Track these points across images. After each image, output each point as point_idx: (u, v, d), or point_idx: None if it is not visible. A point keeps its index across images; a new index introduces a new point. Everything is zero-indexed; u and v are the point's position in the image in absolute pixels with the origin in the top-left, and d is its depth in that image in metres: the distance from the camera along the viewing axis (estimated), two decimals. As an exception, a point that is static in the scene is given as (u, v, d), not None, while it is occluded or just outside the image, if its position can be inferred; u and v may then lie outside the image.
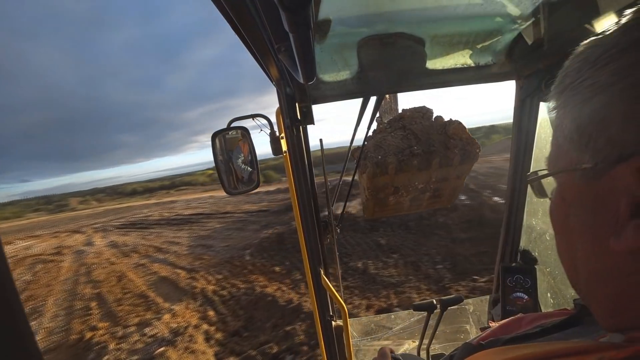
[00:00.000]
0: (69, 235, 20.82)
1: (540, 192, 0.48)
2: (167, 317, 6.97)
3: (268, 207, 19.09)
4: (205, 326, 6.40)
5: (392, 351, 1.02)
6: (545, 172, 0.45)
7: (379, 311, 5.93)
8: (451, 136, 1.77)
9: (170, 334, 6.30)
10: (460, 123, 1.77)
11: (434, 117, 1.89)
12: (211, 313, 6.94)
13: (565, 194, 0.42)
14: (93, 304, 8.42)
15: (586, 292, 0.43)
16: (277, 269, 8.78)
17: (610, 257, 0.36)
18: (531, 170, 1.49)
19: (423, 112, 1.89)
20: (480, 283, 6.47)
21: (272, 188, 29.20)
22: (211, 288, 8.21)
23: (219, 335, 6.02)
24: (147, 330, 6.54)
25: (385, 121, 1.94)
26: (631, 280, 0.35)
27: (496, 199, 11.45)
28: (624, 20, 0.35)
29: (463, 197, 13.79)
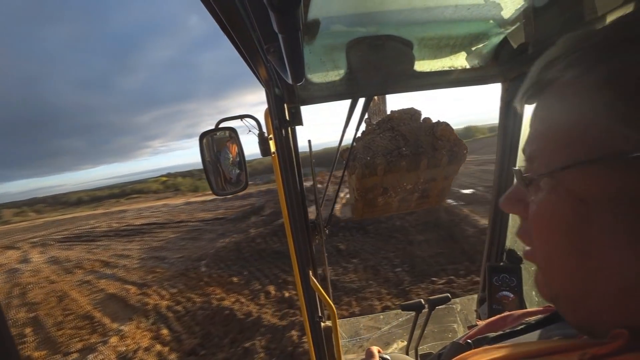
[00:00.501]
0: (0, 252, 18.15)
1: (538, 194, 0.47)
2: (114, 339, 6.44)
3: (225, 215, 18.64)
4: (158, 347, 5.99)
5: (379, 351, 1.03)
6: (573, 161, 0.38)
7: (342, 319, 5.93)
8: (439, 137, 1.79)
9: (118, 359, 5.83)
10: (447, 125, 1.80)
11: (422, 118, 1.91)
12: (165, 331, 6.54)
13: (545, 196, 0.40)
14: (28, 330, 7.50)
15: (565, 294, 0.41)
16: (235, 279, 8.52)
17: (586, 258, 0.36)
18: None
19: (411, 114, 1.91)
20: (439, 285, 6.50)
21: (229, 195, 28.47)
22: (165, 304, 7.75)
23: (173, 357, 5.67)
24: (91, 357, 5.98)
25: (374, 122, 1.96)
26: (631, 278, 0.34)
27: (450, 201, 11.63)
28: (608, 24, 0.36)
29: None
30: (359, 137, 1.85)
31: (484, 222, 9.66)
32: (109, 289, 9.43)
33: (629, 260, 0.34)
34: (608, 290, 0.37)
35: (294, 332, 5.44)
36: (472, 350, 0.49)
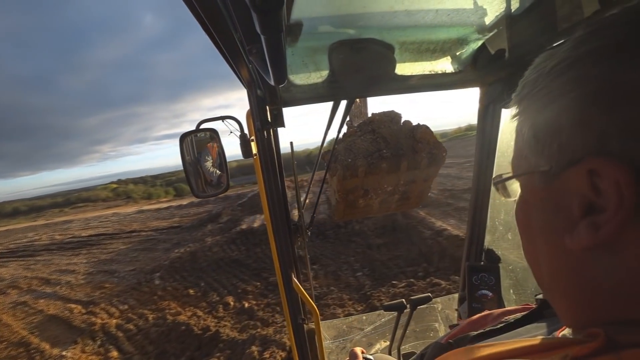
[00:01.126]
0: None
1: (505, 194, 0.51)
2: (55, 367, 5.73)
3: (180, 223, 17.93)
4: (107, 371, 5.40)
5: (363, 352, 1.04)
6: (509, 175, 0.48)
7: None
8: (419, 140, 1.82)
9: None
10: (427, 127, 1.83)
11: (402, 121, 1.94)
12: (114, 353, 6.02)
13: (526, 195, 0.45)
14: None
15: (548, 289, 0.45)
16: (191, 291, 8.11)
17: (567, 254, 0.39)
18: (495, 174, 1.55)
19: (392, 117, 1.93)
20: (399, 289, 6.49)
21: (184, 202, 27.12)
22: (114, 322, 7.14)
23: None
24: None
25: (355, 125, 1.97)
26: (587, 276, 0.37)
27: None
28: (575, 34, 0.37)
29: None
30: (340, 139, 1.86)
31: (440, 224, 9.72)
32: (49, 309, 8.46)
33: (560, 257, 0.40)
34: (559, 286, 0.42)
35: (254, 348, 5.22)
36: (453, 350, 0.49)
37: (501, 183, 0.50)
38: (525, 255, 0.47)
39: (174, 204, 27.91)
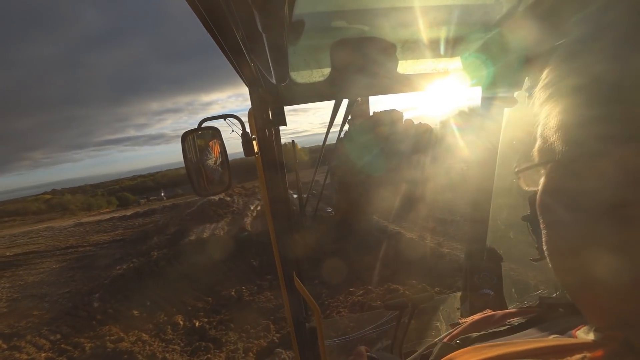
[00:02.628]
0: None
1: (527, 184, 0.48)
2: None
3: (123, 236, 16.61)
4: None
5: (367, 350, 1.04)
6: (534, 163, 0.45)
7: (260, 352, 5.40)
8: (420, 139, 1.81)
9: None
10: (428, 126, 1.83)
11: (404, 120, 1.93)
12: None
13: (552, 185, 0.42)
14: None
15: (573, 286, 0.42)
16: (135, 312, 7.34)
17: (597, 248, 0.36)
18: (496, 172, 1.55)
19: (393, 115, 1.93)
20: (357, 297, 6.30)
21: (128, 212, 25.26)
22: (43, 356, 6.16)
23: None
24: None
25: (357, 123, 1.97)
26: (617, 272, 0.35)
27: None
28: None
29: (329, 209, 13.98)
30: (341, 137, 1.87)
31: (393, 227, 9.49)
32: (-42, 349, 6.86)
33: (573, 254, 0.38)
34: (588, 282, 0.39)
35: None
36: (462, 350, 0.49)
37: (524, 172, 0.47)
38: (546, 249, 0.44)
39: (116, 214, 25.72)
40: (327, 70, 1.21)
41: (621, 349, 0.31)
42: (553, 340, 0.41)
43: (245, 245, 10.66)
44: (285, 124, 1.34)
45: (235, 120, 1.33)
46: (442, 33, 1.11)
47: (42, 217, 36.24)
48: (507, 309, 0.75)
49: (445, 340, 0.70)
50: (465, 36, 1.14)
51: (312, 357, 1.65)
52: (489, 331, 0.62)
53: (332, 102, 1.36)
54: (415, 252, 7.66)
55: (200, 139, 1.34)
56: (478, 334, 0.62)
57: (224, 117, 1.32)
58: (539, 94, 0.41)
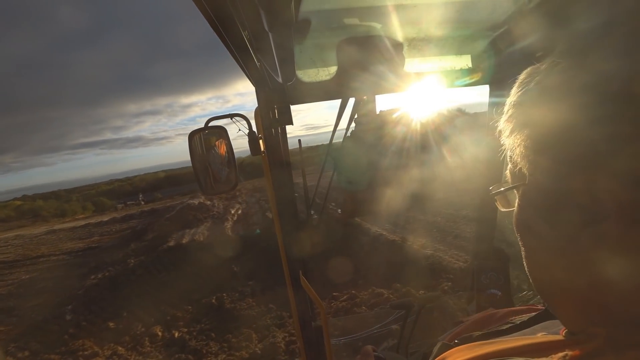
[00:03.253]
0: None
1: (504, 205, 0.52)
2: None
3: (99, 243, 15.86)
4: None
5: (374, 350, 1.04)
6: (508, 186, 0.48)
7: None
8: (427, 137, 1.80)
9: None
10: (437, 125, 1.81)
11: (410, 118, 1.92)
12: None
13: (525, 206, 0.45)
14: None
15: (548, 294, 0.45)
16: (111, 324, 6.89)
17: (569, 262, 0.39)
18: (503, 174, 1.54)
19: (400, 116, 1.92)
20: (342, 302, 6.13)
21: (105, 218, 24.56)
22: None
23: None
24: None
25: (364, 122, 1.96)
26: (589, 281, 0.38)
27: (340, 210, 11.17)
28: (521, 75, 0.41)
29: (312, 212, 13.47)
30: (348, 136, 1.85)
31: (376, 229, 9.52)
32: None
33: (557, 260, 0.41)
34: (561, 291, 0.42)
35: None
36: (456, 348, 0.50)
37: (502, 194, 0.51)
38: (525, 262, 0.47)
39: (92, 220, 24.99)
40: (333, 69, 1.21)
41: (604, 346, 0.32)
42: (540, 337, 0.43)
43: (226, 251, 10.19)
44: (291, 123, 1.35)
45: (242, 120, 1.34)
46: (449, 31, 1.10)
47: (11, 225, 34.60)
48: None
49: (447, 338, 0.70)
50: (473, 34, 1.13)
51: (317, 355, 1.66)
52: (491, 330, 0.62)
53: (338, 101, 1.36)
54: (398, 255, 7.60)
55: (207, 138, 1.36)
56: (480, 332, 0.63)
57: (231, 116, 1.34)
58: (505, 124, 0.44)
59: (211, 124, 1.32)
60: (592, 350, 0.33)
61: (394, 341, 2.28)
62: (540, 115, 0.39)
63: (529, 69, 0.42)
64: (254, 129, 1.34)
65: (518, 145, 0.42)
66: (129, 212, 26.34)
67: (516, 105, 0.42)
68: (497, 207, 0.49)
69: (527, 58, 1.14)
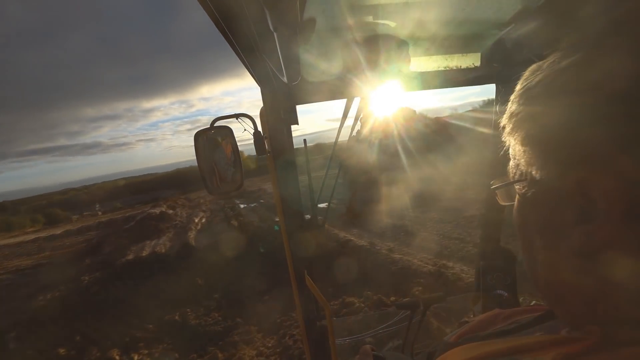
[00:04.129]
0: None
1: (504, 199, 0.53)
2: None
3: (50, 259, 14.60)
4: None
5: (373, 349, 1.04)
6: (508, 181, 0.50)
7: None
8: (434, 135, 1.82)
9: None
10: (444, 122, 1.83)
11: (417, 116, 1.93)
12: None
13: (523, 201, 0.47)
14: None
15: (545, 291, 0.46)
16: (62, 351, 6.29)
17: (562, 258, 0.41)
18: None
19: (406, 112, 1.93)
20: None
21: (57, 231, 22.82)
22: None
23: None
24: None
25: (369, 120, 1.96)
26: (582, 278, 0.39)
27: (307, 216, 11.09)
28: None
29: (278, 219, 13.43)
30: (354, 135, 1.86)
31: (344, 235, 9.26)
32: None
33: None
34: (555, 288, 0.44)
35: None
36: (456, 348, 0.50)
37: (502, 188, 0.53)
38: (523, 256, 0.49)
39: (43, 234, 23.29)
40: (338, 69, 1.21)
41: (599, 343, 0.33)
42: (538, 337, 0.44)
43: (190, 262, 9.99)
44: (297, 123, 1.35)
45: (247, 120, 1.33)
46: (455, 29, 1.10)
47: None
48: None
49: (452, 338, 0.71)
50: (479, 32, 1.13)
51: (322, 355, 1.65)
52: (497, 330, 0.63)
53: (343, 101, 1.36)
54: (368, 262, 7.47)
55: (213, 138, 1.34)
56: (485, 333, 0.63)
57: (237, 116, 1.33)
58: (507, 121, 0.46)
59: (217, 124, 1.31)
60: (587, 347, 0.33)
61: (399, 341, 2.29)
62: (541, 113, 0.40)
63: (532, 66, 0.43)
64: (259, 128, 1.33)
65: (519, 142, 0.43)
66: (85, 224, 25.05)
67: (518, 102, 0.43)
68: (503, 207, 0.51)
69: (534, 56, 1.17)
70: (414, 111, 1.95)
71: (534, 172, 0.42)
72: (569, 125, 0.36)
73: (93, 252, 13.89)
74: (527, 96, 0.42)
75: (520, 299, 1.79)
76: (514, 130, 0.44)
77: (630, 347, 0.31)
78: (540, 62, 0.42)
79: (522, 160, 0.43)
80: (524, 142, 0.42)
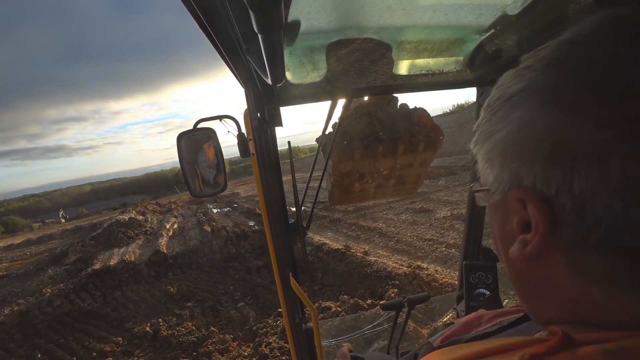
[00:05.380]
0: None
1: (480, 202, 0.55)
2: None
3: (8, 271, 13.98)
4: None
5: (350, 350, 1.08)
6: (477, 188, 0.53)
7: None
8: (416, 123, 1.84)
9: None
10: (424, 111, 1.85)
11: (399, 104, 1.95)
12: None
13: (488, 207, 0.51)
14: None
15: (515, 288, 0.50)
16: None
17: (513, 262, 0.46)
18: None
19: (388, 100, 1.94)
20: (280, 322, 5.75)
21: (17, 241, 22.10)
22: None
23: None
24: None
25: (352, 108, 1.95)
26: (531, 281, 0.45)
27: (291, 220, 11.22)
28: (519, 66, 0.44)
29: (252, 223, 13.15)
30: (335, 122, 1.85)
31: (319, 238, 9.56)
32: None
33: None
34: (517, 287, 0.49)
35: None
36: (434, 352, 0.51)
37: (473, 193, 0.58)
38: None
39: (0, 244, 22.59)
40: (323, 71, 1.21)
41: (559, 343, 0.35)
42: (510, 338, 0.45)
43: (161, 270, 9.78)
44: (281, 125, 1.34)
45: (231, 122, 1.32)
46: (438, 34, 1.13)
47: None
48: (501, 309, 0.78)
49: (437, 341, 0.72)
50: (461, 37, 1.15)
51: (308, 358, 1.64)
52: (480, 332, 0.65)
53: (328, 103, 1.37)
54: (342, 265, 7.56)
55: (196, 139, 1.33)
56: (469, 335, 0.65)
57: (220, 118, 1.33)
58: (482, 126, 0.48)
59: (200, 125, 1.31)
60: (549, 348, 0.35)
61: (384, 342, 2.30)
62: (496, 128, 0.43)
63: (507, 72, 0.46)
64: (243, 130, 1.32)
65: (480, 153, 0.47)
66: (47, 232, 23.93)
67: (491, 108, 0.46)
68: (485, 207, 0.54)
69: (514, 61, 1.23)
70: (397, 99, 1.96)
71: (490, 183, 0.46)
72: (513, 140, 0.40)
73: (56, 262, 13.37)
74: (500, 101, 0.44)
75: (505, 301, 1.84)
76: (476, 141, 0.48)
77: (586, 347, 0.33)
78: (516, 68, 0.45)
79: (482, 169, 0.48)
80: (483, 151, 0.46)
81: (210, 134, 1.31)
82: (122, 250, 12.85)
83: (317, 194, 1.69)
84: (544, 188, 0.37)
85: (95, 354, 6.13)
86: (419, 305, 1.83)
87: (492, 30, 1.12)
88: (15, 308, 8.50)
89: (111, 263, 10.81)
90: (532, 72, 0.40)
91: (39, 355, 6.39)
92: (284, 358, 4.74)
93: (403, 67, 1.29)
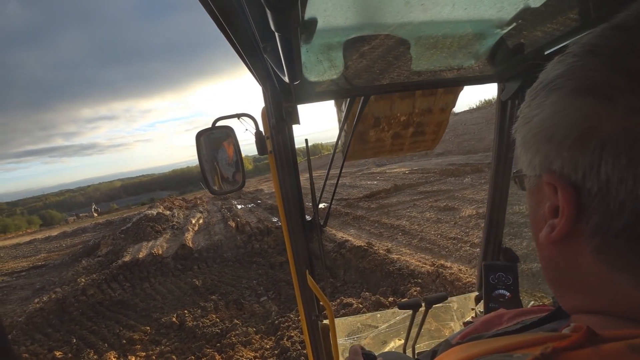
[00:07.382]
0: None
1: (521, 187, 0.55)
2: None
3: (46, 261, 14.68)
4: None
5: (362, 347, 1.08)
6: (518, 173, 0.54)
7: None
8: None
9: None
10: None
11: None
12: None
13: (527, 193, 0.51)
14: None
15: (544, 275, 0.50)
16: (58, 354, 6.23)
17: (544, 247, 0.46)
18: (513, 170, 1.59)
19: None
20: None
21: (54, 232, 23.03)
22: None
23: None
24: None
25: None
26: (560, 267, 0.44)
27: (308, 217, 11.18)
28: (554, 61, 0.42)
29: (275, 220, 13.06)
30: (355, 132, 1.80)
31: (341, 235, 9.47)
32: None
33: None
34: (547, 274, 0.49)
35: None
36: (454, 348, 0.50)
37: (516, 177, 0.58)
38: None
39: (39, 236, 23.73)
40: (340, 69, 1.21)
41: (584, 339, 0.34)
42: (530, 334, 0.45)
43: (187, 264, 10.01)
44: (299, 123, 1.35)
45: (249, 120, 1.33)
46: (457, 29, 1.10)
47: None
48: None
49: (456, 338, 0.71)
50: (481, 32, 1.12)
51: (324, 355, 1.65)
52: (501, 330, 0.63)
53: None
54: (364, 262, 7.52)
55: (215, 137, 1.35)
56: (490, 333, 0.63)
57: (238, 116, 1.34)
58: (522, 111, 0.48)
59: (218, 123, 1.32)
60: (571, 343, 0.34)
61: (400, 341, 2.29)
62: (547, 105, 0.42)
63: (553, 60, 0.44)
64: (261, 128, 1.33)
65: (518, 138, 0.47)
66: (81, 225, 24.85)
67: (532, 92, 0.45)
68: (505, 206, 0.54)
69: (536, 56, 1.16)
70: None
71: (527, 168, 0.46)
72: (546, 125, 0.40)
73: (89, 254, 13.95)
74: (531, 94, 0.45)
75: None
76: (517, 126, 0.48)
77: (611, 343, 0.33)
78: (559, 57, 0.43)
79: (520, 154, 0.47)
80: (521, 136, 0.46)
81: (229, 132, 1.33)
82: (150, 243, 13.12)
83: (334, 190, 1.69)
84: (572, 173, 0.37)
85: (125, 342, 6.36)
86: (436, 305, 1.80)
87: (514, 24, 1.08)
88: (53, 296, 8.97)
89: (140, 256, 11.11)
90: (573, 57, 0.39)
91: (74, 340, 6.67)
92: (304, 351, 4.76)
93: (422, 64, 1.27)
